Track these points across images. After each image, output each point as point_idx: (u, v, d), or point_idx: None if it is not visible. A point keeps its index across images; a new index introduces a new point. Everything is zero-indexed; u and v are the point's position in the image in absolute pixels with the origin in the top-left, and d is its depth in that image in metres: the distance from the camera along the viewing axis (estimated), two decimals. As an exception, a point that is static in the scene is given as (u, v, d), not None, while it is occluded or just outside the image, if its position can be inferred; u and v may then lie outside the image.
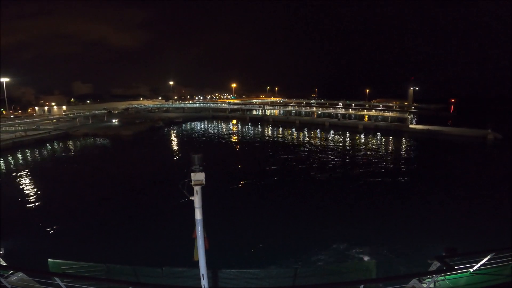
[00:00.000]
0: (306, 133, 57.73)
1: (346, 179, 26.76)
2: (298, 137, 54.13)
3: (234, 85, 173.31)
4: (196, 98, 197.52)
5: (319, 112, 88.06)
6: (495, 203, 20.46)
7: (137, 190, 24.06)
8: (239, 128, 67.16)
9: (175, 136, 57.27)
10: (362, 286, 4.82)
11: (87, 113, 75.31)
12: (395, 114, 71.20)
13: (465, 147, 43.65)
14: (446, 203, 20.48)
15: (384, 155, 37.54)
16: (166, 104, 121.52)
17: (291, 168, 30.50)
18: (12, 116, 72.10)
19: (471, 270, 5.93)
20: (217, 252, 9.41)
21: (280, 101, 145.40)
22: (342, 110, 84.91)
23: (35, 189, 24.51)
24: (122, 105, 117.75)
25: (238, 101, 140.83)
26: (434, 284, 5.61)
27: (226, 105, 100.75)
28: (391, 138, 49.82)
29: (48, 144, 46.65)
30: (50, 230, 16.70)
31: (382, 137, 51.25)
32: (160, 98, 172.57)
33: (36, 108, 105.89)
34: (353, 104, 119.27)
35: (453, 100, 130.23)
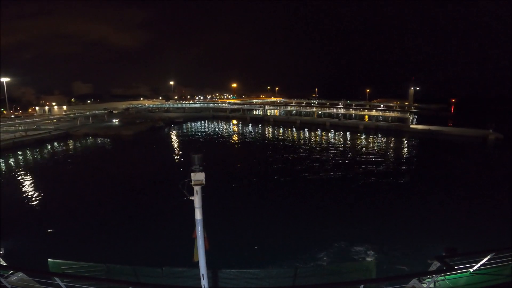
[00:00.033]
0: (306, 133, 57.67)
1: (346, 179, 26.71)
2: (298, 137, 54.06)
3: (234, 85, 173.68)
4: (197, 98, 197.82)
5: (320, 112, 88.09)
6: (495, 203, 20.45)
7: (137, 190, 24.06)
8: (239, 128, 67.15)
9: (175, 136, 57.29)
10: (362, 286, 4.82)
11: (88, 113, 75.33)
12: (396, 114, 71.14)
13: (465, 147, 43.64)
14: (446, 203, 20.46)
15: (385, 155, 37.50)
16: (167, 104, 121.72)
17: (292, 168, 30.45)
18: (12, 116, 72.14)
19: (471, 270, 5.93)
20: (217, 252, 9.40)
21: (280, 101, 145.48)
22: (342, 110, 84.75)
23: (35, 189, 24.52)
24: (123, 105, 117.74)
25: (238, 101, 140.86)
26: (434, 284, 5.61)
27: (227, 105, 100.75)
28: (392, 138, 49.75)
29: (48, 144, 46.66)
30: (50, 230, 16.70)
31: (383, 137, 51.24)
32: (160, 98, 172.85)
33: (37, 108, 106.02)
34: (354, 104, 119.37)
35: (453, 100, 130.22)
